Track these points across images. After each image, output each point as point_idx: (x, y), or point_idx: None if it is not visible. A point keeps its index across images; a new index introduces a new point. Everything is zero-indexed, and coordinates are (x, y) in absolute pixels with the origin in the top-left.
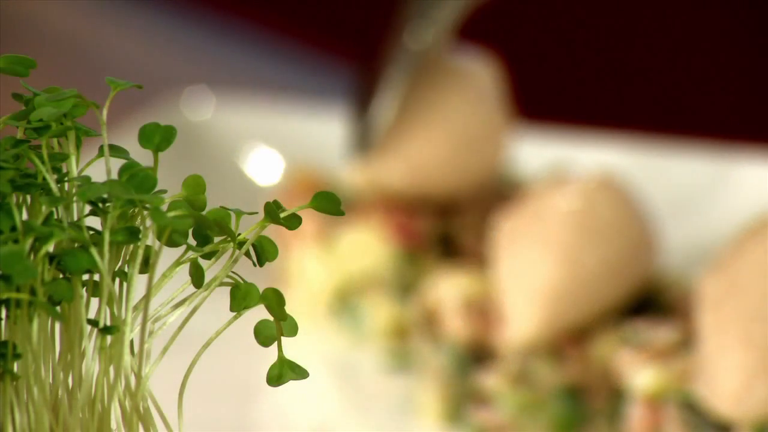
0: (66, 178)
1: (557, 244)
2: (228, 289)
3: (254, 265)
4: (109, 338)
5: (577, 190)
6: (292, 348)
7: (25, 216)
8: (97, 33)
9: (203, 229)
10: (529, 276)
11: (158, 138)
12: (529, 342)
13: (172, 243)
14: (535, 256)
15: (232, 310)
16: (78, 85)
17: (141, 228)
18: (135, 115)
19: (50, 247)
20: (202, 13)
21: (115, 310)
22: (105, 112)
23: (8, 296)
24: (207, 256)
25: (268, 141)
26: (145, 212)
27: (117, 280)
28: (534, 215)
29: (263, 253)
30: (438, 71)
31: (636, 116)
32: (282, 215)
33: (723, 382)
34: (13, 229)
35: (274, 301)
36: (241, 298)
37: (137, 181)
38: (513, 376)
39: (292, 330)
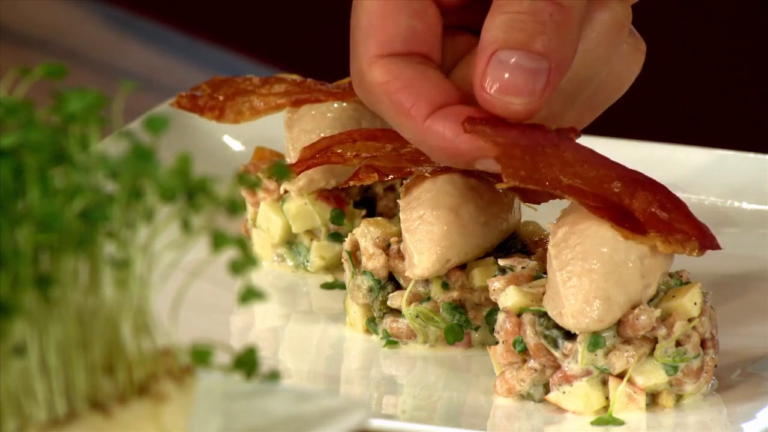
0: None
1: (443, 204)
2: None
3: (228, 214)
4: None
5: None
6: (255, 275)
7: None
8: (98, 36)
9: (191, 190)
10: (425, 227)
11: (157, 127)
12: (426, 276)
13: (167, 200)
14: (429, 213)
15: (212, 250)
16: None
17: (145, 190)
18: (137, 113)
19: (79, 204)
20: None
21: (125, 250)
22: (120, 104)
23: (49, 240)
24: (194, 211)
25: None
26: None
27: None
28: (427, 180)
29: (234, 207)
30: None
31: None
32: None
33: (565, 304)
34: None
35: (242, 243)
36: (218, 241)
37: (142, 156)
38: (413, 296)
39: (256, 264)
